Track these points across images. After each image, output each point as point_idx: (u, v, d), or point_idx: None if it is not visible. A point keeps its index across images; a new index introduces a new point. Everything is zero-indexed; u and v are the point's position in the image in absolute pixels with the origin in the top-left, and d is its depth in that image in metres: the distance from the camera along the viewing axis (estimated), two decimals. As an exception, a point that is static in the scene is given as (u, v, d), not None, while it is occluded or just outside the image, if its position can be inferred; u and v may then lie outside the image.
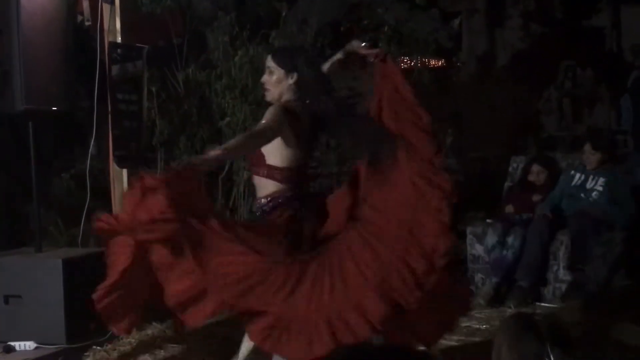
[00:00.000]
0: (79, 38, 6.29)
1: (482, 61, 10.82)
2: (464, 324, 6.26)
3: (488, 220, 7.27)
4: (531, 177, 7.19)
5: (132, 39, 6.17)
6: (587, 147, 7.05)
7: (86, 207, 5.94)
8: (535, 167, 7.19)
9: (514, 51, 10.79)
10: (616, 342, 5.45)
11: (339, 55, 4.59)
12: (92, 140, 6.01)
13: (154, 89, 6.87)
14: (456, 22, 9.58)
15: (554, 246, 6.71)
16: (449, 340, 5.90)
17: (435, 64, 10.38)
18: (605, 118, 10.78)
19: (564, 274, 6.67)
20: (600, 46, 11.47)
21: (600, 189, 6.87)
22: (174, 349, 5.45)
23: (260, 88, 6.90)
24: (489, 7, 10.64)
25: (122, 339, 5.36)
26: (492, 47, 10.92)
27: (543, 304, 6.56)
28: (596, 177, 6.93)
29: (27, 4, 5.26)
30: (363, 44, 4.60)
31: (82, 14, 6.31)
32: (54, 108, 5.59)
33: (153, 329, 5.77)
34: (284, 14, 7.43)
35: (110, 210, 6.13)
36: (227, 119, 6.99)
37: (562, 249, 6.70)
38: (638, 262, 6.77)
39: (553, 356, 2.54)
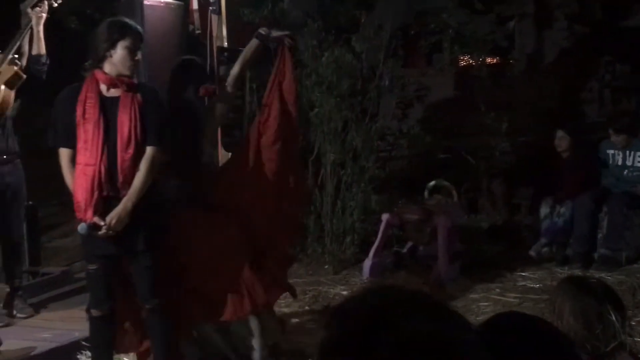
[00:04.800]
0: (191, 44, 6.30)
1: (532, 58, 10.57)
2: (519, 283, 6.14)
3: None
4: (555, 142, 6.92)
5: (235, 44, 6.14)
6: (611, 131, 6.82)
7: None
8: (559, 133, 6.91)
9: (559, 49, 10.49)
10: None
11: (254, 43, 4.41)
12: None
13: (254, 86, 6.85)
14: (511, 24, 9.35)
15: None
16: (508, 297, 5.79)
17: (491, 61, 10.17)
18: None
19: (600, 246, 6.50)
20: (636, 43, 11.07)
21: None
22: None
23: (344, 84, 6.88)
24: (538, 11, 10.37)
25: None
26: (541, 46, 10.64)
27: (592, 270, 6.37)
28: (632, 152, 6.70)
29: (150, 17, 5.27)
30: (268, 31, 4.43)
31: (193, 23, 6.30)
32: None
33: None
34: (362, 20, 7.34)
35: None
36: (316, 110, 6.94)
37: (604, 222, 6.54)
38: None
39: (613, 314, 2.41)
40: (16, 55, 5.07)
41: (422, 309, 1.11)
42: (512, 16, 9.69)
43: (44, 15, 5.01)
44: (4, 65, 5.05)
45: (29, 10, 5.14)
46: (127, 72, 3.88)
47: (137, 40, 3.89)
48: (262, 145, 4.37)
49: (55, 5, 5.05)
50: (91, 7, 10.11)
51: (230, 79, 4.40)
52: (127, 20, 4.07)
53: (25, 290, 5.61)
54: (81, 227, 3.82)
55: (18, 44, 5.02)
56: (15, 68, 5.07)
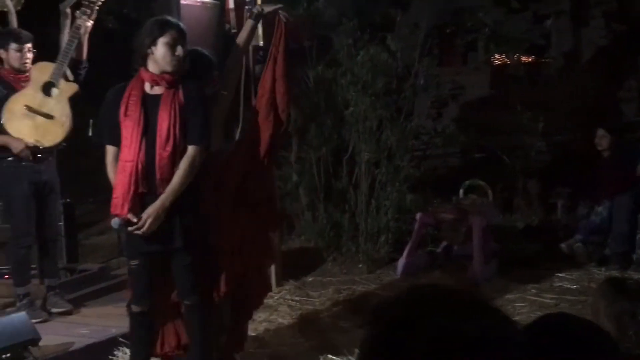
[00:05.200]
0: (227, 43, 6.31)
1: (569, 57, 10.44)
2: (556, 284, 6.08)
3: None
4: (595, 140, 6.82)
5: (288, 56, 6.14)
6: None
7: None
8: (600, 132, 6.81)
9: (596, 48, 10.35)
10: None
11: (249, 24, 4.32)
12: (239, 128, 6.01)
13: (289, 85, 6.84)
14: (548, 22, 9.25)
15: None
16: (544, 298, 5.72)
17: (526, 59, 10.07)
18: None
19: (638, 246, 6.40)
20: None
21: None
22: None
23: (379, 82, 6.85)
24: (574, 9, 10.24)
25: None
26: (578, 44, 10.51)
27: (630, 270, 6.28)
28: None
29: (186, 16, 5.28)
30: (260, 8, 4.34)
31: (229, 22, 6.32)
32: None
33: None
34: (398, 19, 7.31)
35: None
36: (351, 108, 6.94)
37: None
38: None
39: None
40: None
41: (465, 308, 1.10)
42: (548, 14, 9.58)
43: (91, 22, 5.10)
44: (63, 82, 5.16)
45: (68, 10, 5.21)
46: (169, 68, 3.89)
47: (177, 36, 3.89)
48: (260, 121, 4.31)
49: (96, 8, 5.13)
50: (128, 7, 10.20)
51: (230, 65, 4.35)
52: (168, 17, 4.09)
53: (63, 287, 5.66)
54: (114, 222, 3.87)
55: (68, 57, 5.11)
56: (76, 86, 5.19)
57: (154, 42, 3.87)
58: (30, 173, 5.23)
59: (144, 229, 3.80)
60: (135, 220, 3.81)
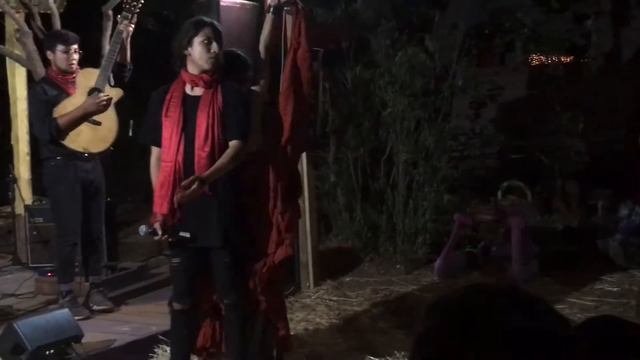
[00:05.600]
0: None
1: (609, 57, 10.30)
2: (596, 286, 6.00)
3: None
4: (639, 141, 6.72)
5: (309, 44, 6.14)
6: None
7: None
8: None
9: (637, 47, 10.20)
10: None
11: (269, 18, 4.22)
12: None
13: (327, 86, 6.88)
14: (589, 22, 9.14)
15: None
16: (584, 300, 5.65)
17: (565, 59, 9.96)
18: None
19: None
20: None
21: None
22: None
23: (417, 83, 6.83)
24: (614, 9, 10.09)
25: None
26: (618, 44, 10.36)
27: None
28: None
29: (225, 17, 5.29)
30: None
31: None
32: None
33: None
34: (436, 19, 7.28)
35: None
36: (389, 109, 6.92)
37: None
38: None
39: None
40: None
41: (521, 304, 1.10)
42: (588, 14, 9.46)
43: (132, 27, 5.16)
44: (108, 87, 5.23)
45: (110, 12, 5.27)
46: (206, 66, 3.92)
47: (211, 33, 3.92)
48: (281, 112, 4.22)
49: (136, 11, 5.19)
50: (168, 9, 10.29)
51: (257, 65, 4.32)
52: (202, 17, 4.12)
53: (104, 284, 5.73)
54: (141, 229, 3.90)
55: (112, 62, 5.18)
56: (121, 90, 5.27)
57: (189, 43, 3.92)
58: (77, 172, 5.31)
59: (178, 197, 3.80)
60: (159, 232, 3.84)
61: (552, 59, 8.76)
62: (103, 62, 5.22)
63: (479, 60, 8.02)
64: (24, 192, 7.24)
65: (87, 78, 5.27)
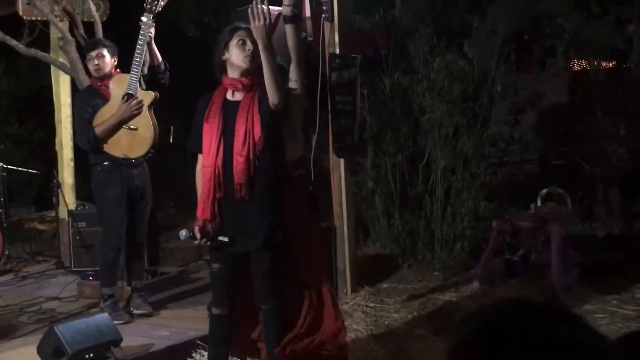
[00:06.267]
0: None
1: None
2: (638, 295, 5.88)
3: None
4: None
5: (347, 50, 6.15)
6: None
7: (310, 189, 5.97)
8: None
9: (681, 52, 9.99)
10: None
11: (290, 30, 4.23)
12: (315, 135, 6.02)
13: (365, 92, 6.85)
14: (631, 27, 8.98)
15: None
16: (625, 310, 5.54)
17: (607, 65, 9.79)
18: None
19: None
20: None
21: None
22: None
23: (455, 89, 6.78)
24: (657, 14, 9.90)
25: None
26: (661, 49, 10.16)
27: None
28: None
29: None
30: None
31: (305, 30, 6.34)
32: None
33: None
34: (475, 25, 7.21)
35: (329, 192, 6.17)
36: (427, 115, 6.87)
37: None
38: None
39: None
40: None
41: (559, 319, 1.08)
42: (630, 19, 9.29)
43: (153, 30, 5.20)
44: (140, 91, 5.28)
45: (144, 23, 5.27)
46: (243, 65, 3.94)
47: (244, 34, 3.94)
48: None
49: (156, 11, 5.21)
50: (209, 15, 10.37)
51: (293, 75, 4.32)
52: (235, 23, 4.14)
53: (145, 289, 5.77)
54: (181, 234, 3.93)
55: (140, 66, 5.21)
56: (153, 93, 5.30)
57: (226, 47, 3.95)
58: (123, 177, 5.36)
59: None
60: (198, 236, 3.87)
61: (593, 65, 8.61)
62: (132, 68, 5.25)
63: (518, 66, 7.94)
64: (68, 197, 7.34)
65: (119, 85, 5.32)
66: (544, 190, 7.06)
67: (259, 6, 3.78)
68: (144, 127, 5.32)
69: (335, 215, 6.15)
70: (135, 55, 5.20)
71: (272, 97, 3.84)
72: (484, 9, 7.79)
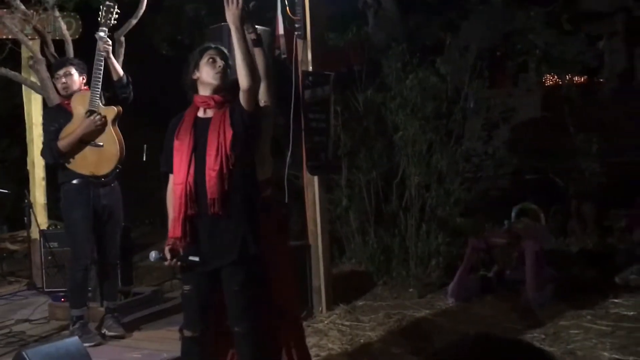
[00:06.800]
0: (277, 69, 6.32)
1: (622, 77, 10.20)
2: (612, 310, 5.87)
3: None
4: None
5: (320, 68, 6.13)
6: None
7: (282, 211, 5.92)
8: None
9: (651, 67, 10.12)
10: None
11: (257, 51, 4.12)
12: (289, 153, 5.98)
13: (338, 109, 6.82)
14: (601, 43, 9.07)
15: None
16: (599, 325, 5.53)
17: (578, 80, 9.88)
18: None
19: None
20: None
21: None
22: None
23: (428, 106, 6.77)
24: (627, 30, 10.02)
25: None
26: (631, 65, 10.27)
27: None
28: None
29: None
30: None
31: (279, 48, 6.32)
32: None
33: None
34: (448, 42, 7.22)
35: (303, 210, 6.13)
36: (400, 132, 6.86)
37: None
38: None
39: None
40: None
41: (523, 355, 1.05)
42: (601, 35, 9.39)
43: (110, 44, 5.15)
44: (102, 107, 5.20)
45: (122, 39, 5.23)
46: (215, 82, 3.89)
47: (214, 53, 3.91)
48: None
49: (111, 24, 5.18)
50: (182, 34, 10.32)
51: (263, 97, 4.27)
52: (206, 44, 4.10)
53: (117, 309, 5.68)
54: (151, 255, 3.86)
55: (99, 81, 5.15)
56: (115, 108, 5.23)
57: (197, 67, 3.91)
58: (91, 197, 5.28)
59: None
60: (167, 257, 3.81)
61: (565, 80, 8.67)
62: (91, 84, 5.18)
63: (491, 82, 7.96)
64: (40, 217, 7.23)
65: (80, 102, 5.24)
66: (518, 206, 7.06)
67: None
68: (109, 142, 5.24)
69: (310, 232, 6.10)
70: (94, 71, 5.13)
71: (243, 81, 3.79)
72: (457, 26, 7.82)
